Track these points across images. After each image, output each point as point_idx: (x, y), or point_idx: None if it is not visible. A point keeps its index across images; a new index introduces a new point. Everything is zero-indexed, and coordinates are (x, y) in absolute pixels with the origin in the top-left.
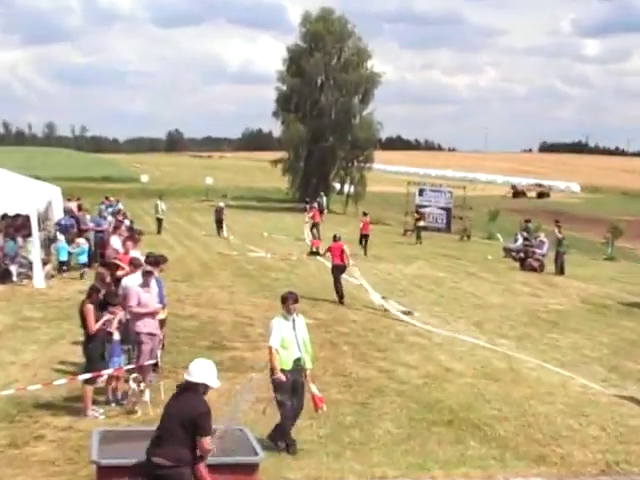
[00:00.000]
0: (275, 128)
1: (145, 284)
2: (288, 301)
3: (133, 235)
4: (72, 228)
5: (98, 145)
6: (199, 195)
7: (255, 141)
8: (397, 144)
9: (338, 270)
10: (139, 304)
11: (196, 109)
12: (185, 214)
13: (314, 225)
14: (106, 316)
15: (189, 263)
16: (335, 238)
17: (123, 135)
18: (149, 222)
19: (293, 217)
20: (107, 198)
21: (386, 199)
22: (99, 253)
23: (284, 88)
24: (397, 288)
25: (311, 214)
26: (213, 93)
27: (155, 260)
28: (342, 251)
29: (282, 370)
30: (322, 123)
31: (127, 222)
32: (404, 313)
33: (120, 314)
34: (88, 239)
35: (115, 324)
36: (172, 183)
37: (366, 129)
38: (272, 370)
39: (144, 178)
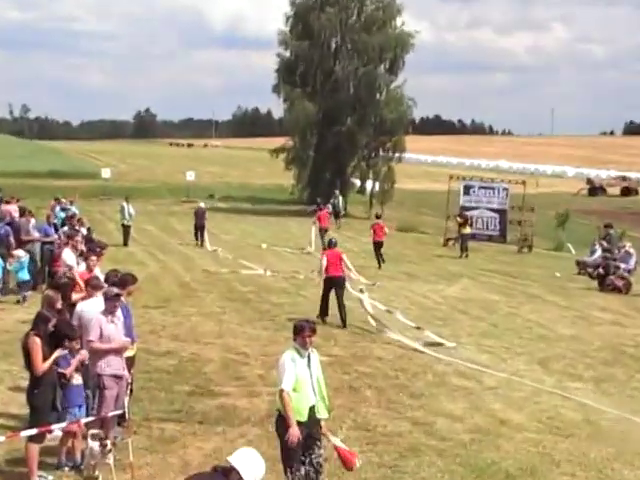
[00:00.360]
0: (276, 107)
1: (109, 311)
2: (304, 332)
3: (94, 247)
4: (8, 238)
5: (44, 130)
6: (178, 195)
7: (250, 124)
8: (435, 127)
9: (332, 283)
10: (101, 338)
11: (173, 83)
12: (160, 220)
13: (321, 231)
14: (57, 352)
15: (165, 284)
16: (330, 244)
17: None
18: (112, 230)
19: (299, 223)
20: (57, 199)
21: (421, 199)
22: (47, 271)
23: (287, 55)
24: (435, 315)
25: (316, 217)
26: (194, 62)
27: (121, 280)
28: (340, 259)
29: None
30: (337, 100)
31: (83, 230)
32: (429, 344)
33: (83, 352)
34: (31, 252)
35: (75, 365)
36: (142, 180)
37: (395, 107)
38: (286, 422)
39: (105, 173)
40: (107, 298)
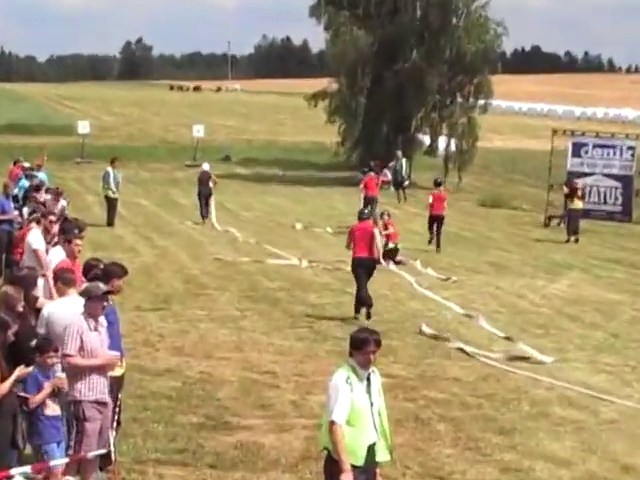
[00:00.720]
0: (315, 37)
1: (91, 316)
2: (367, 346)
3: (70, 228)
4: None
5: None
6: (181, 158)
7: (278, 61)
8: (533, 62)
9: (362, 267)
10: (82, 351)
11: (173, 3)
12: (157, 191)
13: (367, 201)
14: (19, 370)
15: (164, 278)
16: (362, 215)
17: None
18: (92, 204)
19: (347, 196)
20: (19, 163)
21: (514, 162)
22: (5, 259)
23: None
24: (533, 322)
25: (362, 184)
26: None
27: (105, 273)
28: (372, 236)
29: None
30: (399, 27)
31: (63, 203)
32: (523, 360)
33: (59, 374)
34: None
35: (49, 389)
36: (133, 136)
37: (477, 36)
38: (337, 466)
39: (83, 127)
40: (90, 298)
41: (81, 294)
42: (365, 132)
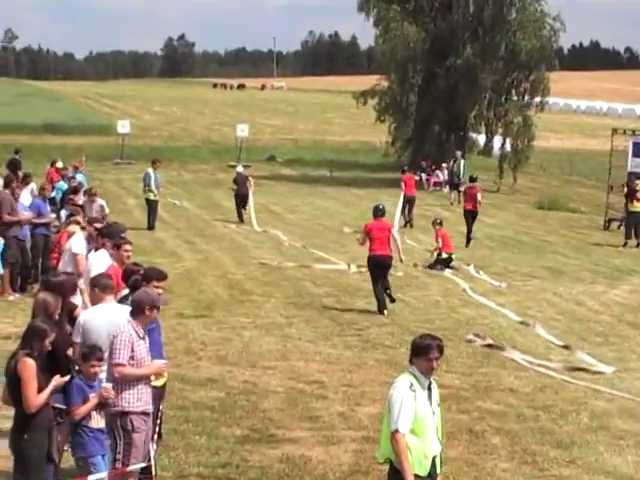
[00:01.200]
0: (364, 33)
1: (142, 323)
2: (430, 352)
3: (113, 232)
4: None
5: (37, 65)
6: (225, 158)
7: (326, 57)
8: (592, 59)
9: (379, 267)
10: (131, 359)
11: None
12: (200, 193)
13: (406, 203)
14: (55, 380)
15: (207, 283)
16: (377, 212)
17: (82, 47)
18: (132, 207)
19: (397, 198)
20: (56, 164)
21: (572, 163)
22: (40, 264)
23: None
24: (592, 329)
25: (402, 184)
26: None
27: (144, 277)
28: (389, 232)
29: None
30: (451, 23)
31: (100, 202)
32: (582, 370)
33: (106, 385)
34: (17, 238)
35: (95, 400)
36: (175, 136)
37: (533, 32)
38: (403, 476)
39: (123, 127)
40: (147, 307)
41: (134, 302)
42: (416, 131)
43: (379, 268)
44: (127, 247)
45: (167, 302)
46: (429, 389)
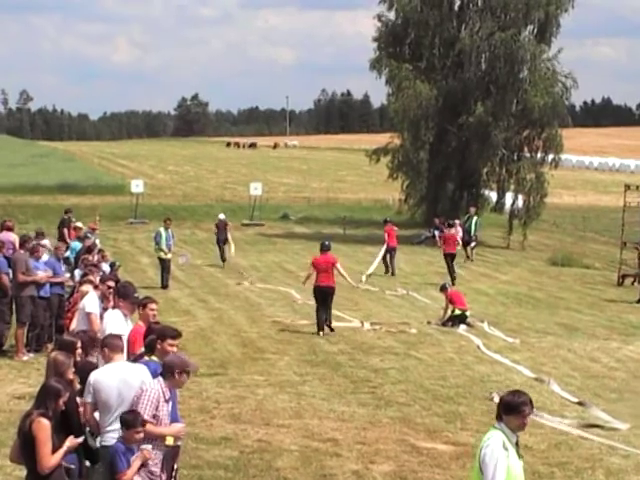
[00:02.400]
0: (376, 91)
1: (172, 387)
2: (524, 408)
3: (128, 293)
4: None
5: (51, 126)
6: (239, 216)
7: (338, 116)
8: (604, 115)
9: (323, 294)
10: (154, 418)
11: (229, 58)
12: (214, 251)
13: (387, 252)
14: (69, 440)
15: (221, 342)
16: (323, 247)
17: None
18: (146, 267)
19: (410, 255)
20: (71, 224)
21: (585, 219)
22: (55, 324)
23: (392, 17)
24: (607, 385)
25: (386, 235)
26: (260, 27)
27: (158, 335)
28: (333, 265)
29: None
30: (463, 80)
31: (106, 265)
32: (597, 427)
33: (146, 447)
34: (24, 298)
35: (139, 462)
36: (188, 195)
37: (545, 89)
38: None
39: (136, 186)
40: (179, 371)
41: (165, 364)
42: (430, 188)
43: (322, 296)
44: (152, 306)
45: (197, 369)
46: (517, 444)
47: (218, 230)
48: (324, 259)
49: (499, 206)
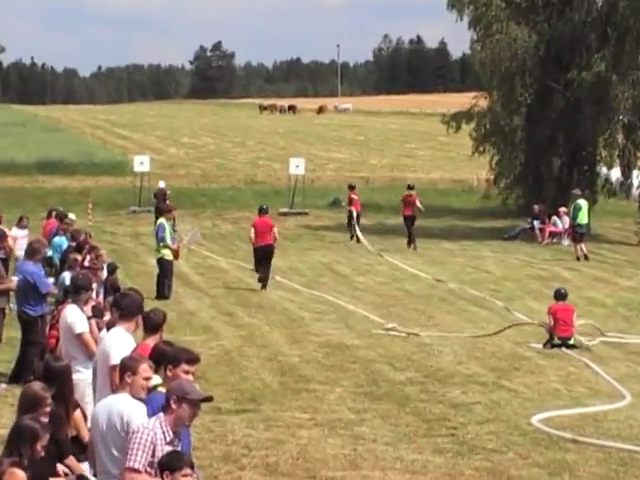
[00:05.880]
0: (456, 37)
1: (175, 425)
2: None
3: (129, 304)
4: None
5: (30, 85)
6: (275, 202)
7: (406, 70)
8: None
9: (262, 254)
10: (151, 467)
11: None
12: (242, 249)
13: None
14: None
15: (252, 368)
16: (261, 211)
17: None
18: (154, 268)
19: (502, 253)
20: (55, 214)
21: None
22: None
23: None
24: None
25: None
26: None
27: (172, 359)
28: (270, 227)
29: None
30: (573, 25)
31: (104, 267)
32: None
33: None
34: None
35: None
36: (209, 175)
37: None
38: None
39: (140, 163)
40: (184, 400)
41: (165, 393)
42: (528, 166)
43: (262, 254)
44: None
45: (212, 399)
46: None
47: (157, 200)
48: (263, 221)
49: (623, 189)
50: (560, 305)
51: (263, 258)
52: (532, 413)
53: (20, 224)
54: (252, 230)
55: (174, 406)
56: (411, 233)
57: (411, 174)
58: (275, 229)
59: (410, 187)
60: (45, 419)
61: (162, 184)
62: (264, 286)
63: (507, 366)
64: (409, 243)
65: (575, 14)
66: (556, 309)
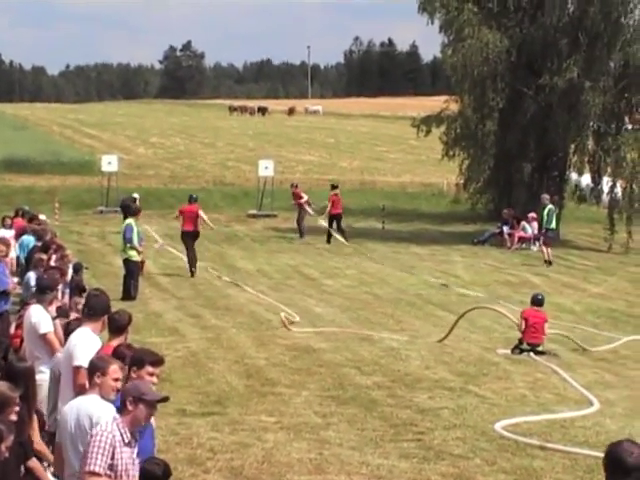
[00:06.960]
0: (427, 41)
1: (132, 425)
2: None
3: (98, 305)
4: None
5: None
6: (243, 204)
7: (377, 73)
8: None
9: (189, 237)
10: (110, 470)
11: None
12: (210, 251)
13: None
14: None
15: (218, 370)
16: (190, 200)
17: (56, 60)
18: (121, 269)
19: (471, 257)
20: (21, 213)
21: None
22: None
23: None
24: None
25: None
26: None
27: (136, 361)
28: (197, 216)
29: None
30: (544, 29)
31: (70, 267)
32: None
33: None
34: None
35: None
36: (178, 176)
37: None
38: None
39: (109, 163)
40: (142, 402)
41: (120, 395)
42: (498, 170)
43: (188, 238)
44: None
45: (168, 399)
46: None
47: (123, 210)
48: (190, 208)
49: (594, 195)
50: (533, 311)
51: (189, 241)
52: (499, 419)
53: (4, 224)
54: (180, 216)
55: (130, 407)
56: (341, 229)
57: (381, 177)
58: (203, 215)
59: (334, 186)
60: (14, 419)
61: (136, 195)
62: (192, 274)
63: (475, 371)
64: (329, 241)
65: (547, 19)
66: (529, 314)
